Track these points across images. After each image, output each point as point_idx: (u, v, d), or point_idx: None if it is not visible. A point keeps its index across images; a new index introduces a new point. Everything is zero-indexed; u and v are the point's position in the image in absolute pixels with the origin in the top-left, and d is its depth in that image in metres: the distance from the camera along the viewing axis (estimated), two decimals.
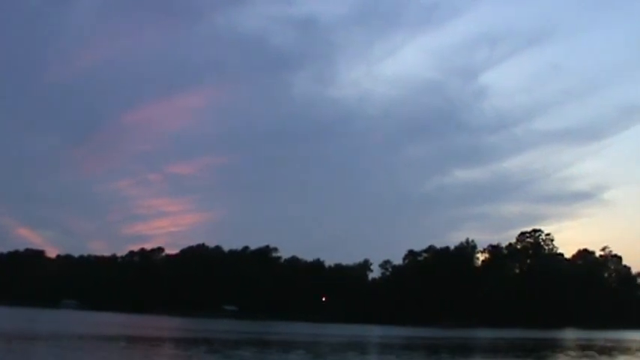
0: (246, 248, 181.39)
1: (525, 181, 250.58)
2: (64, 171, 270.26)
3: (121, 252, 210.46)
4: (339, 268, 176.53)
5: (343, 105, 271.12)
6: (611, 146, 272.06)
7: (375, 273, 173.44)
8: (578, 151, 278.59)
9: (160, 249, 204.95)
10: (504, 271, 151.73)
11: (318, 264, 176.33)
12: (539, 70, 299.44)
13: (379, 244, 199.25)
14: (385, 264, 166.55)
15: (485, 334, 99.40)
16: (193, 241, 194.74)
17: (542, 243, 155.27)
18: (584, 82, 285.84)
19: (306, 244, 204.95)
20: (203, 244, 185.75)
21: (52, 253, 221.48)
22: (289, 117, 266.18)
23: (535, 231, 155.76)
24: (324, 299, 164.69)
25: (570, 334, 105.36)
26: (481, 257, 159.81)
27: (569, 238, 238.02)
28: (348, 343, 58.57)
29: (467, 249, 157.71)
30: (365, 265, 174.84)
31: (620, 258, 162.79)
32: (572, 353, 50.77)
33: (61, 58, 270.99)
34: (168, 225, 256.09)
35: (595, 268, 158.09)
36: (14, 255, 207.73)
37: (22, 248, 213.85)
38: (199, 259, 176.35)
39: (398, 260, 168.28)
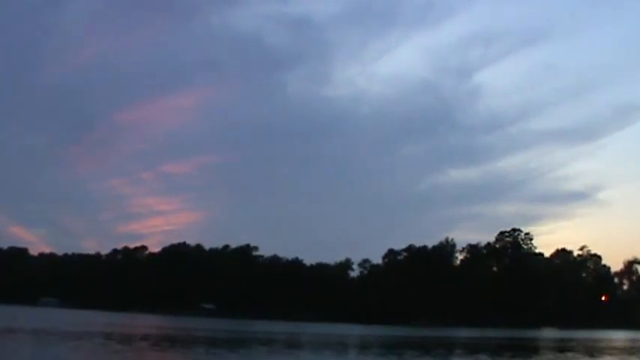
0: (226, 247, 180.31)
1: (520, 181, 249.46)
2: (58, 170, 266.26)
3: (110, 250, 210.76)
4: (320, 267, 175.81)
5: (338, 104, 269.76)
6: (606, 146, 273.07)
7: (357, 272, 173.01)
8: (573, 151, 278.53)
9: (144, 247, 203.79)
10: (483, 270, 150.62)
11: (297, 263, 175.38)
12: (533, 70, 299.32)
13: (372, 243, 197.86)
14: (364, 263, 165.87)
15: (461, 333, 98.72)
16: (187, 240, 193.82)
17: (521, 242, 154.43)
18: (578, 82, 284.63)
19: (298, 243, 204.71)
20: (184, 243, 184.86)
21: (45, 251, 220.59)
22: (283, 116, 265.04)
23: (514, 230, 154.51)
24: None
25: (546, 334, 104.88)
26: (460, 256, 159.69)
27: (563, 238, 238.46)
28: (312, 342, 58.21)
29: (446, 248, 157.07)
30: (346, 264, 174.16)
31: (599, 257, 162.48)
32: (550, 354, 50.54)
33: (54, 57, 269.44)
34: (162, 224, 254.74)
35: (573, 268, 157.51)
36: None
37: (9, 246, 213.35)
38: (180, 257, 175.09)
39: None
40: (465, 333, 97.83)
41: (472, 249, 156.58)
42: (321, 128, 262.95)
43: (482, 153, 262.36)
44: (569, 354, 48.38)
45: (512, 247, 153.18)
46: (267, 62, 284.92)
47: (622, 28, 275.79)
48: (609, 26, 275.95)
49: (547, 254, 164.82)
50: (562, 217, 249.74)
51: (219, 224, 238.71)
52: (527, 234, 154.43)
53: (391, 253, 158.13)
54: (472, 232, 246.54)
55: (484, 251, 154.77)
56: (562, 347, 62.99)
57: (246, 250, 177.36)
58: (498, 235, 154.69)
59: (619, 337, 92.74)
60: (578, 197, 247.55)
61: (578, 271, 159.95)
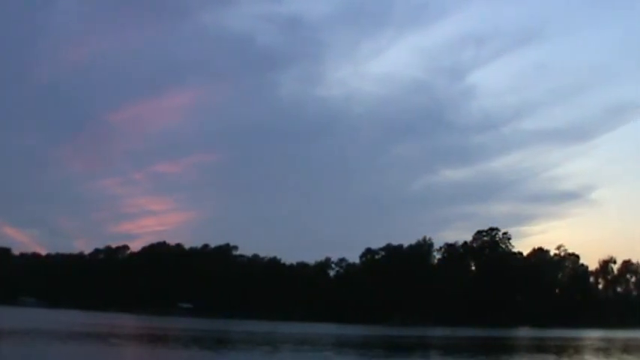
0: (206, 246, 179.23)
1: (513, 181, 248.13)
2: (49, 170, 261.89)
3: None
4: (299, 266, 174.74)
5: (330, 104, 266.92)
6: (598, 146, 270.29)
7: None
8: (566, 151, 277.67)
9: (126, 247, 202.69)
10: (460, 269, 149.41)
11: (275, 262, 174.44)
12: (526, 70, 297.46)
13: (362, 244, 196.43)
14: (340, 262, 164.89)
15: (437, 332, 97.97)
16: (180, 240, 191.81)
17: (498, 242, 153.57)
18: (571, 83, 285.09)
19: (289, 243, 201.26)
20: (164, 242, 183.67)
21: (36, 251, 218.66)
22: (276, 116, 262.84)
23: (492, 229, 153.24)
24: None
25: (521, 333, 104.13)
26: (438, 256, 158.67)
27: (556, 237, 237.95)
28: (270, 341, 57.27)
29: (423, 247, 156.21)
30: (326, 264, 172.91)
31: (577, 257, 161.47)
32: (518, 354, 49.92)
33: (46, 57, 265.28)
34: (155, 224, 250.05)
35: (550, 267, 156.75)
36: None
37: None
38: (158, 257, 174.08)
39: None
40: (440, 332, 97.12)
41: (449, 248, 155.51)
42: (313, 128, 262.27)
43: (475, 153, 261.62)
44: (539, 355, 48.05)
45: (489, 247, 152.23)
46: (259, 62, 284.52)
47: (615, 28, 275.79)
48: (602, 26, 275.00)
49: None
50: (555, 217, 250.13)
51: (211, 224, 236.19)
52: (504, 233, 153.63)
53: (369, 252, 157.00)
54: (465, 231, 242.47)
55: (461, 250, 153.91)
56: (532, 347, 63.01)
57: (225, 250, 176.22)
58: (476, 234, 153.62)
59: (591, 336, 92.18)
60: (571, 197, 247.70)
61: (555, 271, 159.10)
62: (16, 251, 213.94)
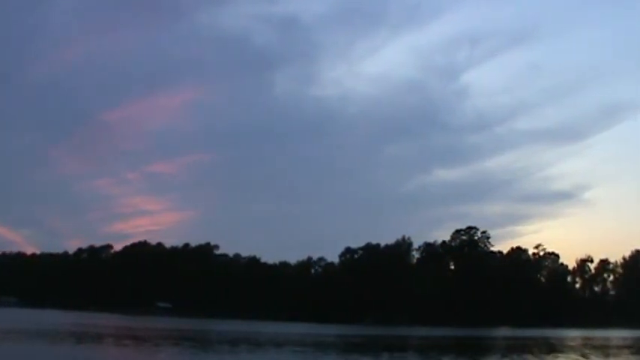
0: (186, 245, 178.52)
1: (507, 181, 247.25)
2: (44, 169, 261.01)
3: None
4: (280, 265, 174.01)
5: (325, 104, 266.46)
6: (592, 146, 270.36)
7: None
8: (560, 151, 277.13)
9: (109, 246, 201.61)
10: (438, 269, 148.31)
11: (256, 261, 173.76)
12: (520, 70, 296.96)
13: (354, 244, 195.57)
14: (319, 261, 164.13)
15: (413, 332, 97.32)
16: (173, 240, 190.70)
17: (477, 241, 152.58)
18: (565, 82, 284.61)
19: (281, 242, 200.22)
20: (145, 242, 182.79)
21: (30, 251, 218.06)
22: (271, 116, 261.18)
23: (470, 229, 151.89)
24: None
25: (498, 333, 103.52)
26: (417, 255, 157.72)
27: (550, 237, 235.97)
28: (240, 339, 56.62)
29: (402, 246, 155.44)
30: (307, 263, 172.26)
31: (557, 256, 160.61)
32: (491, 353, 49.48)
33: (41, 56, 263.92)
34: (148, 224, 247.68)
35: (529, 267, 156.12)
36: None
37: None
38: (139, 256, 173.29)
39: None
40: (416, 332, 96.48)
41: (428, 248, 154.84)
42: (308, 128, 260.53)
43: (469, 153, 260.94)
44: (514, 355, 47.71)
45: (468, 246, 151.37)
46: (254, 62, 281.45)
47: (609, 28, 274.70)
48: (596, 27, 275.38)
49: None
50: (548, 217, 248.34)
51: (204, 224, 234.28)
52: (483, 232, 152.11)
53: (348, 252, 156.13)
54: None
55: (440, 250, 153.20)
56: (508, 346, 62.57)
57: (205, 249, 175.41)
58: (454, 233, 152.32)
59: (568, 335, 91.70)
60: (565, 197, 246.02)
61: (533, 270, 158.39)
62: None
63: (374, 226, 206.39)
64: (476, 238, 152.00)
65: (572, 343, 67.93)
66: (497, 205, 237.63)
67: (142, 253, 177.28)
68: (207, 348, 45.59)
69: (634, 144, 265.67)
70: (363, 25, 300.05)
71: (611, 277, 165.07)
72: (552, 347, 58.89)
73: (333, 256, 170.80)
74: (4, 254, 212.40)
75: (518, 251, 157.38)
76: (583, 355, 46.71)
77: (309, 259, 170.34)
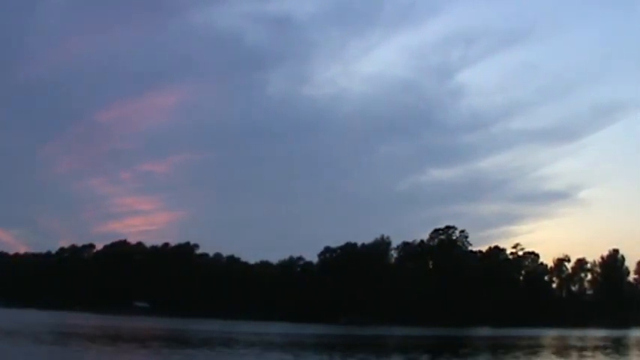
0: (166, 245, 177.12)
1: (501, 181, 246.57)
2: (36, 169, 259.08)
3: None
4: (262, 265, 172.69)
5: (318, 103, 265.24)
6: (587, 146, 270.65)
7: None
8: (555, 150, 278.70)
9: (91, 246, 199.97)
10: (416, 268, 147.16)
11: (237, 261, 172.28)
12: (515, 70, 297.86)
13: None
14: (297, 260, 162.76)
15: (386, 331, 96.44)
16: (166, 240, 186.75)
17: (455, 240, 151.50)
18: (560, 82, 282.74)
19: (275, 242, 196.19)
20: (125, 241, 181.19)
21: (22, 251, 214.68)
22: (264, 115, 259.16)
23: (448, 228, 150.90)
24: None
25: (476, 333, 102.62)
26: (395, 254, 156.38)
27: (545, 237, 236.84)
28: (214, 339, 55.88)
29: (381, 246, 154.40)
30: (290, 263, 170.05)
31: (537, 255, 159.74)
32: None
33: (32, 55, 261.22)
34: (141, 223, 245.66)
35: (507, 266, 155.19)
36: None
37: None
38: (118, 256, 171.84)
39: None
40: (391, 332, 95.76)
41: (406, 247, 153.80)
42: (302, 127, 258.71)
43: (463, 153, 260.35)
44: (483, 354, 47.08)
45: (446, 246, 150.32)
46: (247, 61, 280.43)
47: (603, 27, 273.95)
48: (590, 26, 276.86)
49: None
50: (543, 217, 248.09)
51: (197, 224, 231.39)
52: (462, 231, 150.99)
53: (327, 251, 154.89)
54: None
55: (418, 249, 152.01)
56: (482, 346, 62.39)
57: (185, 249, 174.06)
58: (432, 232, 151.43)
59: (544, 335, 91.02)
60: (560, 197, 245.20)
61: (512, 270, 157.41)
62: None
63: (369, 225, 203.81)
64: (454, 237, 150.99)
65: (544, 343, 67.49)
66: (492, 205, 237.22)
67: (121, 252, 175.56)
68: (173, 347, 44.83)
69: (629, 144, 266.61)
70: (357, 24, 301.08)
71: (589, 277, 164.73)
72: (523, 347, 58.45)
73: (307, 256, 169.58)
74: None
75: (496, 251, 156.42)
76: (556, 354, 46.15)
77: (291, 258, 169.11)
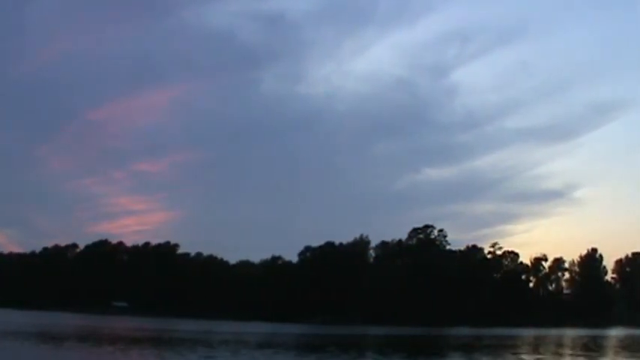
0: (147, 244, 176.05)
1: (497, 180, 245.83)
2: (28, 168, 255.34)
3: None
4: (243, 264, 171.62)
5: (312, 102, 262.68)
6: (582, 145, 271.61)
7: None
8: (550, 149, 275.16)
9: (75, 245, 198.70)
10: (394, 268, 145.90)
11: (217, 260, 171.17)
12: (510, 68, 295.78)
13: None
14: (275, 260, 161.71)
15: (360, 330, 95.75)
16: (160, 240, 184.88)
17: (434, 239, 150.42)
18: (555, 81, 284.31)
19: (269, 241, 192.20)
20: (106, 240, 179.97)
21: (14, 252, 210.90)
22: (258, 114, 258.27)
23: (427, 227, 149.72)
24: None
25: (452, 332, 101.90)
26: (374, 254, 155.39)
27: (541, 236, 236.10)
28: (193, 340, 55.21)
29: (360, 245, 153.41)
30: (272, 262, 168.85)
31: (517, 255, 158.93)
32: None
33: (24, 54, 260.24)
34: (135, 223, 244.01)
35: (484, 266, 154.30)
36: None
37: None
38: (100, 256, 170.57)
39: None
40: (366, 331, 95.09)
41: (384, 246, 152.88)
42: (296, 126, 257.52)
43: (458, 152, 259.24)
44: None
45: (424, 245, 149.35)
46: (241, 60, 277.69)
47: (598, 26, 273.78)
48: (586, 25, 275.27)
49: (524, 252, 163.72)
50: (539, 216, 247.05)
51: (192, 224, 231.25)
52: (440, 231, 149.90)
53: (307, 250, 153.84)
54: (449, 231, 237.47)
55: (396, 248, 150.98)
56: (455, 345, 62.18)
57: (166, 248, 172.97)
58: (411, 231, 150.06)
59: (519, 334, 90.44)
60: (555, 196, 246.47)
61: (490, 269, 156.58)
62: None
63: (363, 225, 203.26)
64: (432, 236, 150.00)
65: (518, 342, 66.96)
66: (487, 205, 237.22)
67: (102, 252, 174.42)
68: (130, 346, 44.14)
69: (624, 143, 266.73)
70: (352, 22, 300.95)
71: (567, 276, 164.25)
72: (495, 346, 58.12)
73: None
74: None
75: (474, 250, 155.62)
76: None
77: (273, 257, 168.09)
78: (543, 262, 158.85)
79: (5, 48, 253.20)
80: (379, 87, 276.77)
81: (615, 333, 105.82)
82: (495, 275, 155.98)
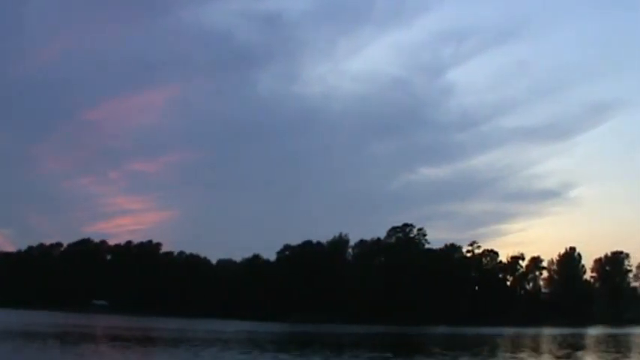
0: (129, 243, 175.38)
1: (492, 179, 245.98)
2: (24, 168, 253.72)
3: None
4: (224, 263, 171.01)
5: (308, 101, 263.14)
6: (578, 144, 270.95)
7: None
8: (546, 149, 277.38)
9: (59, 244, 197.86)
10: (372, 267, 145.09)
11: (199, 259, 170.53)
12: (506, 68, 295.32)
13: None
14: (254, 259, 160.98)
15: (339, 329, 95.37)
16: (155, 240, 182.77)
17: (412, 238, 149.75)
18: (551, 80, 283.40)
19: (262, 241, 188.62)
20: (89, 239, 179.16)
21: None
22: (254, 114, 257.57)
23: (406, 226, 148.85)
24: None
25: (429, 331, 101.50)
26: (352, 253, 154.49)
27: (536, 236, 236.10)
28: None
29: (339, 244, 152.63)
30: (252, 261, 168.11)
31: (496, 253, 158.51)
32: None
33: (20, 54, 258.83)
34: (130, 223, 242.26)
35: (463, 265, 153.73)
36: None
37: None
38: (82, 255, 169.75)
39: None
40: (339, 329, 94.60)
41: (362, 244, 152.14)
42: (292, 126, 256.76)
43: (454, 151, 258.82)
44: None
45: (402, 243, 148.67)
46: (237, 59, 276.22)
47: (594, 26, 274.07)
48: (582, 24, 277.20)
49: (520, 251, 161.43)
50: (534, 215, 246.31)
51: (187, 224, 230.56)
52: (420, 229, 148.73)
53: (286, 249, 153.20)
54: (444, 230, 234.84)
55: (374, 247, 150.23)
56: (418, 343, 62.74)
57: (148, 247, 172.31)
58: (390, 230, 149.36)
59: (496, 333, 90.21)
60: (551, 195, 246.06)
61: (469, 268, 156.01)
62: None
63: (358, 225, 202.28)
64: (411, 235, 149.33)
65: (485, 342, 66.79)
66: (483, 204, 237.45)
67: (84, 251, 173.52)
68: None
69: (620, 142, 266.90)
70: (348, 22, 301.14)
71: (544, 275, 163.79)
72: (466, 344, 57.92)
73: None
74: None
75: (452, 249, 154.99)
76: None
77: (253, 256, 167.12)
78: (520, 261, 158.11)
79: (2, 48, 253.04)
80: (375, 86, 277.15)
81: (593, 332, 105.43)
82: (474, 274, 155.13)
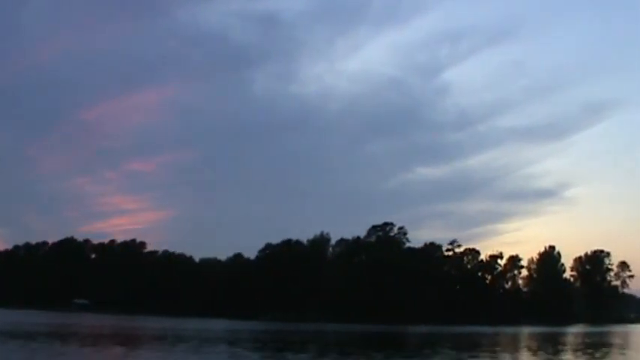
0: (112, 242, 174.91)
1: (489, 179, 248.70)
2: (20, 168, 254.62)
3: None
4: (208, 261, 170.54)
5: (305, 101, 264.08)
6: (574, 144, 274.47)
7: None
8: (542, 148, 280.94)
9: (45, 243, 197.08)
10: (351, 265, 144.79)
11: (183, 258, 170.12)
12: (502, 68, 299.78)
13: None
14: (236, 258, 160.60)
15: (320, 328, 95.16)
16: (152, 240, 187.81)
17: (393, 237, 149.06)
18: (547, 80, 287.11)
19: (259, 240, 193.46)
20: (72, 237, 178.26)
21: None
22: (251, 114, 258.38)
23: (386, 224, 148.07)
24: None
25: (409, 330, 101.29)
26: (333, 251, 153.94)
27: (532, 235, 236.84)
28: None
29: (320, 242, 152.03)
30: (234, 259, 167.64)
31: (477, 252, 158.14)
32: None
33: (17, 55, 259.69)
34: (127, 223, 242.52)
35: (443, 263, 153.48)
36: None
37: None
38: (65, 253, 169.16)
39: None
40: (324, 328, 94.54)
41: (342, 243, 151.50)
42: (288, 125, 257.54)
43: (451, 151, 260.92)
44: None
45: (382, 242, 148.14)
46: (234, 59, 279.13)
47: (590, 26, 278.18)
48: (578, 24, 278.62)
49: (516, 251, 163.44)
50: (530, 215, 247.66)
51: (183, 223, 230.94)
52: (400, 228, 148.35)
53: (267, 248, 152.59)
54: (441, 230, 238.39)
55: (354, 246, 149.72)
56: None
57: (133, 246, 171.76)
58: (370, 229, 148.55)
59: (475, 331, 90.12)
60: (547, 195, 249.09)
61: (450, 267, 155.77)
62: None
63: (355, 224, 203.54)
64: (392, 234, 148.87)
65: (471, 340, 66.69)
66: (479, 203, 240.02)
67: (68, 250, 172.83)
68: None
69: (616, 142, 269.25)
70: (344, 22, 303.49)
71: (524, 273, 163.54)
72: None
73: None
74: None
75: (433, 248, 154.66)
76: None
77: (235, 255, 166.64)
78: (499, 260, 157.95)
79: (0, 48, 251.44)
80: (372, 86, 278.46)
81: (572, 330, 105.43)
82: (454, 273, 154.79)
